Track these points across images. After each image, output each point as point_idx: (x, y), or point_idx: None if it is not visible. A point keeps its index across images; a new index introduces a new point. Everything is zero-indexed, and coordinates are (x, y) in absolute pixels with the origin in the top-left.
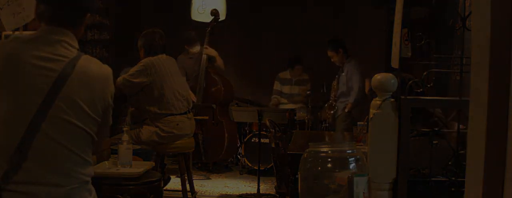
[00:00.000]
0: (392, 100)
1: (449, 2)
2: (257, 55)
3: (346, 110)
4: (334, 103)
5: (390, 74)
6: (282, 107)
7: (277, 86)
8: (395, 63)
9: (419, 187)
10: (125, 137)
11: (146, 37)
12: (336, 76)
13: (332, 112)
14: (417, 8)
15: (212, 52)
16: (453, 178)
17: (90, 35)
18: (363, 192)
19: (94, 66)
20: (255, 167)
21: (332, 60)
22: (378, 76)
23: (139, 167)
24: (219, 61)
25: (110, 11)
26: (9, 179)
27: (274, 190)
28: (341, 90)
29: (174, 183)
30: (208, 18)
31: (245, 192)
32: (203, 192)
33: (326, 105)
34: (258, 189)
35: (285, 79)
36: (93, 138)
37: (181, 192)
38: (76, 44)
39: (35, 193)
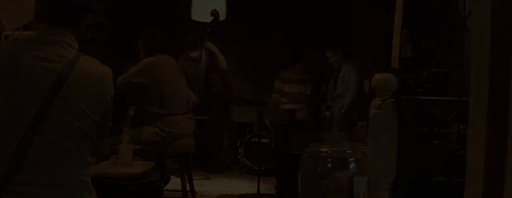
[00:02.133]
0: (392, 99)
1: (449, 2)
2: (257, 55)
3: (342, 111)
4: (331, 104)
5: (390, 74)
6: (282, 106)
7: (278, 85)
8: (395, 63)
9: (419, 187)
10: (125, 137)
11: (146, 37)
12: (332, 77)
13: (328, 112)
14: (417, 7)
15: (212, 47)
16: (453, 178)
17: (90, 35)
18: (363, 192)
19: (94, 67)
20: (255, 167)
21: (330, 60)
22: (378, 76)
23: (139, 167)
24: (221, 59)
25: (110, 11)
26: (8, 180)
27: (274, 190)
28: (338, 91)
29: (174, 183)
30: (208, 18)
31: (245, 192)
32: (203, 192)
33: (323, 106)
34: (258, 189)
35: (285, 78)
36: (93, 139)
37: (181, 192)
38: (75, 45)
39: (35, 194)
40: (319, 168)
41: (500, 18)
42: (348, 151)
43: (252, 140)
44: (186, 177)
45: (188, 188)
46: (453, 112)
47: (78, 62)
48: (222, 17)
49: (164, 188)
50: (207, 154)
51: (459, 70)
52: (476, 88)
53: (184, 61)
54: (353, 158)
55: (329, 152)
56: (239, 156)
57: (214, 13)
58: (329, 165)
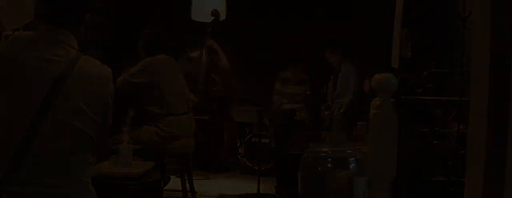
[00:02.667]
0: (392, 100)
1: (449, 2)
2: (257, 55)
3: (341, 111)
4: (331, 104)
5: (390, 74)
6: (282, 107)
7: (278, 86)
8: (395, 63)
9: (419, 187)
10: (125, 137)
11: (146, 37)
12: (331, 77)
13: (327, 112)
14: (417, 7)
15: (214, 44)
16: (453, 178)
17: (90, 35)
18: (363, 192)
19: (94, 67)
20: (255, 167)
21: (329, 60)
22: (378, 76)
23: (139, 167)
24: (223, 57)
25: (110, 11)
26: (9, 180)
27: (274, 190)
28: (338, 91)
29: (174, 183)
30: (208, 18)
31: (245, 192)
32: (203, 192)
33: (323, 106)
34: (258, 189)
35: (285, 79)
36: (93, 139)
37: (181, 192)
38: (75, 45)
39: (35, 194)
40: (319, 168)
41: (500, 18)
42: (348, 151)
43: (252, 140)
44: (186, 177)
45: (188, 188)
46: (453, 112)
47: (78, 63)
48: (222, 17)
49: (164, 188)
50: (207, 154)
51: (459, 70)
52: (476, 88)
53: (184, 61)
54: (353, 158)
55: (329, 152)
56: (239, 156)
57: (215, 13)
58: (329, 165)
